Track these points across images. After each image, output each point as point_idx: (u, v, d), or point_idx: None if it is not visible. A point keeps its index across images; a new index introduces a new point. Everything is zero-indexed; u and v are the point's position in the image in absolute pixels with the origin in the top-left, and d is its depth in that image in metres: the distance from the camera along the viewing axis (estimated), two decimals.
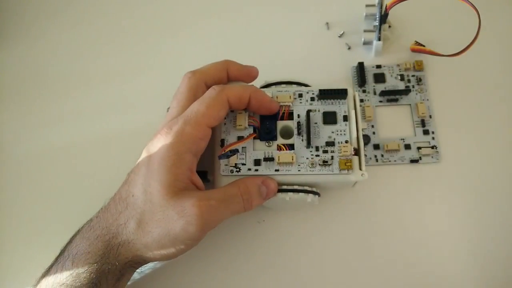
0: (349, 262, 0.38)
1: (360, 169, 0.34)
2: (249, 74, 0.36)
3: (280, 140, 0.35)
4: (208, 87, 0.33)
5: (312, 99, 0.36)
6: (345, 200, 0.40)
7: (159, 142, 0.31)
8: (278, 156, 0.34)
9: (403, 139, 0.42)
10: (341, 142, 0.35)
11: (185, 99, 0.33)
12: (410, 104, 0.43)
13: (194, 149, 0.32)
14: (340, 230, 0.39)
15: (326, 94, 0.36)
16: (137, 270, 0.34)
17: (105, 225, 0.32)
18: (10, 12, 0.51)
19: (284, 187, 0.34)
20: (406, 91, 0.43)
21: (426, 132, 0.42)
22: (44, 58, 0.49)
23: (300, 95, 0.36)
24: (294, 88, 0.37)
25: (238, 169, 0.35)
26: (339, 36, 0.47)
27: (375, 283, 0.38)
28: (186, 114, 0.32)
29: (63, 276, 0.31)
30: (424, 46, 0.44)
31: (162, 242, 0.30)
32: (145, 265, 0.35)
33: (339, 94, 0.35)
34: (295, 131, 0.35)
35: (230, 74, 0.35)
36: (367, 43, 0.45)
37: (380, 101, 0.43)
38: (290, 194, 0.34)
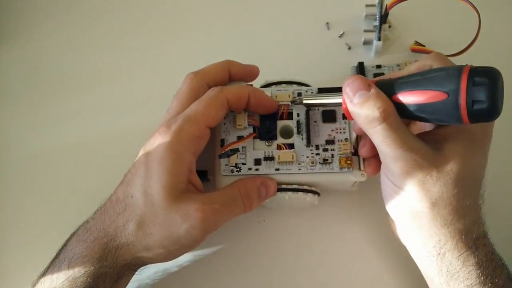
0: (349, 261, 0.38)
1: (360, 169, 0.34)
2: (251, 73, 0.36)
3: (280, 140, 0.35)
4: (210, 88, 0.33)
5: None
6: (345, 200, 0.40)
7: (157, 141, 0.31)
8: (278, 155, 0.34)
9: None
10: (341, 140, 0.35)
11: (186, 99, 0.33)
12: None
13: (193, 148, 0.31)
14: (340, 230, 0.39)
15: (325, 92, 0.35)
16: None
17: (102, 227, 0.31)
18: (12, 12, 0.51)
19: (284, 186, 0.34)
20: None
21: None
22: (44, 58, 0.49)
23: (299, 94, 0.36)
24: (294, 87, 0.37)
25: (238, 169, 0.35)
26: (339, 36, 0.47)
27: (375, 282, 0.37)
28: (185, 113, 0.32)
29: (59, 281, 0.30)
30: (424, 46, 0.44)
31: (164, 244, 0.30)
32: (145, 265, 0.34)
33: (338, 92, 0.35)
34: (295, 130, 0.35)
35: (231, 74, 0.35)
36: (367, 43, 0.46)
37: None
38: (289, 193, 0.34)
